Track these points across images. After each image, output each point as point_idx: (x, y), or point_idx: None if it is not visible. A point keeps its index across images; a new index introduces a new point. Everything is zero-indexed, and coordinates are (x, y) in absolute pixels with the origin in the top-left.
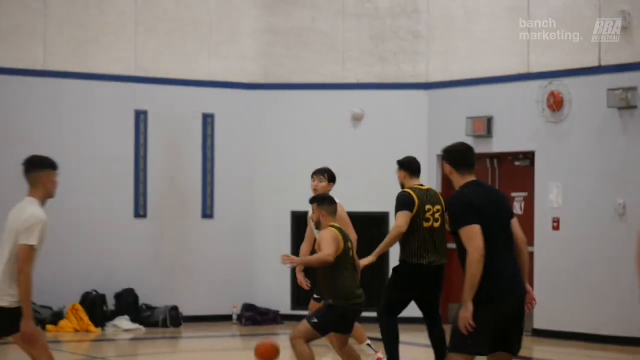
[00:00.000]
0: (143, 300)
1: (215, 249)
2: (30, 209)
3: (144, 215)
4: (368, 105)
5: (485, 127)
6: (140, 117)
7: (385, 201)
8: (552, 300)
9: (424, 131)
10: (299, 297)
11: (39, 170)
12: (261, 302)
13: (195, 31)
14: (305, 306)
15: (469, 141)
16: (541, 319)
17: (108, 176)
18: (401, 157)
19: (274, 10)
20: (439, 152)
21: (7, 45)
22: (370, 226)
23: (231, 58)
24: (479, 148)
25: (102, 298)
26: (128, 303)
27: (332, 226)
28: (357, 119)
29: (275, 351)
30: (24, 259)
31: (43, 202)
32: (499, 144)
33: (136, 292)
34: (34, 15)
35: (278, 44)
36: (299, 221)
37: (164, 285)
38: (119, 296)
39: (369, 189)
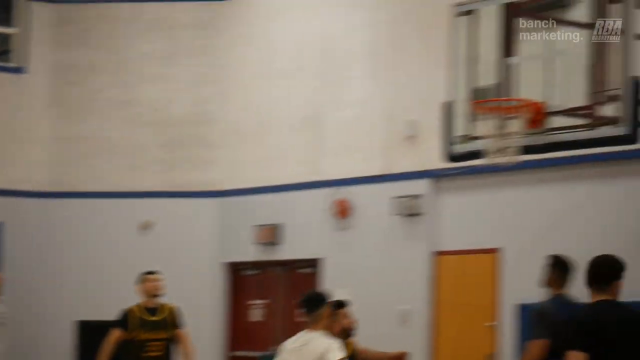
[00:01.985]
0: None
1: None
2: None
3: None
4: (160, 212)
5: (274, 234)
6: None
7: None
8: None
9: (215, 239)
10: None
11: None
12: None
13: None
14: None
15: (257, 249)
16: None
17: None
18: (191, 265)
19: (65, 119)
20: (230, 260)
21: None
22: None
23: (21, 165)
24: (267, 255)
25: None
26: None
27: None
28: (146, 227)
29: None
30: None
31: None
32: (287, 251)
33: None
34: None
35: (69, 151)
36: None
37: None
38: None
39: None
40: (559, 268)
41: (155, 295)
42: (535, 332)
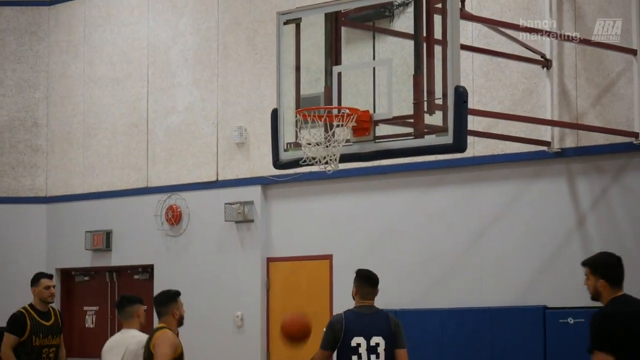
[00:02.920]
0: None
1: None
2: None
3: None
4: None
5: (104, 240)
6: None
7: None
8: None
9: (43, 245)
10: None
11: None
12: None
13: None
14: None
15: (89, 255)
16: None
17: None
18: (23, 272)
19: None
20: (58, 266)
21: None
22: None
23: None
24: (99, 262)
25: None
26: None
27: None
28: None
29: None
30: None
31: None
32: (118, 257)
33: None
34: None
35: None
36: None
37: None
38: None
39: None
40: (358, 281)
41: (49, 301)
42: (322, 341)
